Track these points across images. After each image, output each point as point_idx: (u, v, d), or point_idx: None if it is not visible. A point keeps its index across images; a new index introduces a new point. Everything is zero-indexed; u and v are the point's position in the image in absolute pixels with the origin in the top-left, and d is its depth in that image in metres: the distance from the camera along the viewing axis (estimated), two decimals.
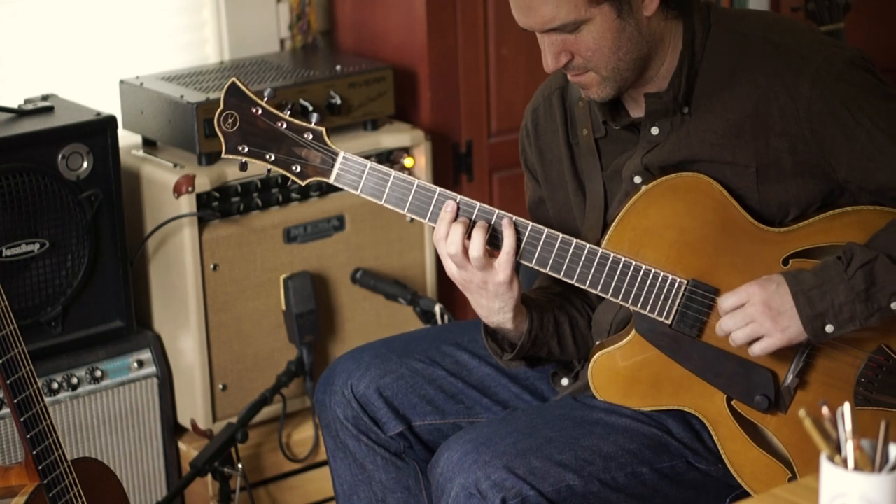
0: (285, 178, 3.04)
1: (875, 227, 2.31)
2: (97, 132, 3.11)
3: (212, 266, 3.24)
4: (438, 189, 2.31)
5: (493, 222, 2.29)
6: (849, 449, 1.63)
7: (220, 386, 3.30)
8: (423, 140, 3.48)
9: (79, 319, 3.16)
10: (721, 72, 2.34)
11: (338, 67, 3.45)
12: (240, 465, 3.19)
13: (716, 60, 2.34)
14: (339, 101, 3.36)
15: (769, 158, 2.31)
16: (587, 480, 2.31)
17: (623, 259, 2.30)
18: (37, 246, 3.07)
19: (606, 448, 2.35)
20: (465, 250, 2.29)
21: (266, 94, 2.32)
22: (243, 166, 2.34)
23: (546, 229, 2.30)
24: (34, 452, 2.42)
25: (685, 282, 2.31)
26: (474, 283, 2.33)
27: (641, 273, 2.30)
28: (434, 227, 2.31)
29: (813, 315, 2.23)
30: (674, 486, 2.39)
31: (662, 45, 2.34)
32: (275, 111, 2.31)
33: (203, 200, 3.21)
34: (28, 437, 2.41)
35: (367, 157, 3.40)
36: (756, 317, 2.25)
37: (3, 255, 3.03)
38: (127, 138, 3.36)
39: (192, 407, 3.30)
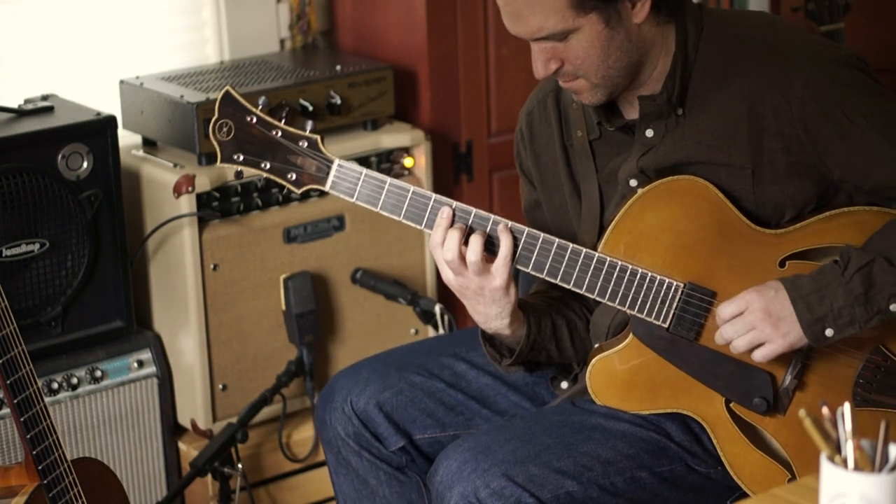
0: None
1: (871, 228, 2.31)
2: (97, 132, 3.11)
3: (212, 266, 3.24)
4: (434, 195, 2.30)
5: (489, 228, 2.29)
6: (849, 449, 1.63)
7: (220, 386, 3.30)
8: (423, 140, 3.47)
9: (79, 319, 3.15)
10: (714, 73, 2.33)
11: (338, 67, 3.44)
12: (240, 465, 3.19)
13: (709, 62, 2.33)
14: (339, 101, 3.36)
15: (764, 159, 2.31)
16: (586, 486, 2.31)
17: (619, 263, 2.30)
18: (37, 246, 3.07)
19: (605, 453, 2.34)
20: (462, 256, 2.28)
21: (260, 101, 2.31)
22: (239, 174, 2.34)
23: (542, 234, 2.29)
24: (34, 452, 2.42)
25: (682, 285, 2.30)
26: (471, 288, 2.32)
27: (638, 277, 2.30)
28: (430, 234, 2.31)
29: (812, 320, 2.23)
30: (673, 490, 2.39)
31: (654, 49, 2.32)
32: (269, 119, 2.30)
33: (203, 200, 3.21)
34: (28, 437, 2.41)
35: (368, 157, 3.44)
36: (756, 324, 2.24)
37: (3, 255, 3.03)
38: (127, 138, 3.36)
39: (192, 407, 3.30)
